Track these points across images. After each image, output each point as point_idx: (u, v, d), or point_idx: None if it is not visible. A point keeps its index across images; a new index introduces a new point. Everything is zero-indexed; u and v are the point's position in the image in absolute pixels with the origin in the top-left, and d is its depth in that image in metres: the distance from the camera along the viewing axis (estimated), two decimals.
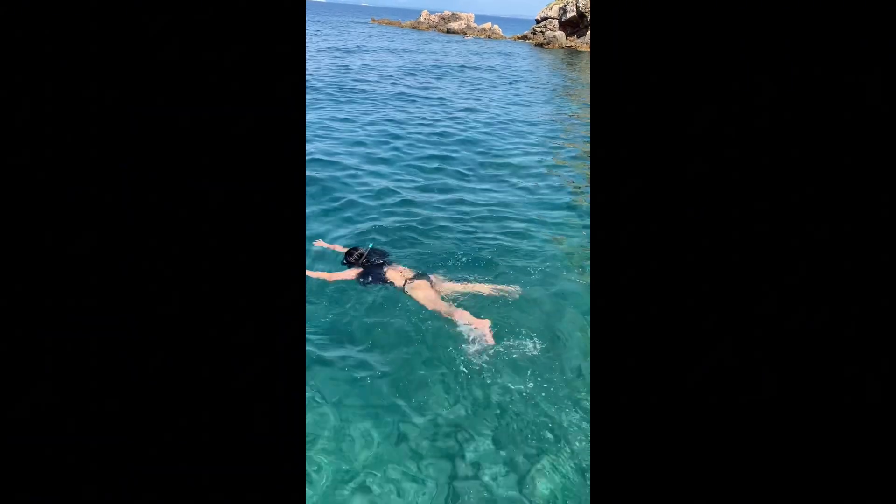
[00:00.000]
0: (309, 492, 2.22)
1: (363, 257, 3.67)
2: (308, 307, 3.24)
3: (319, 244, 4.24)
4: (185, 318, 0.68)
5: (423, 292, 3.36)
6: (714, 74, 0.71)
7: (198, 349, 0.68)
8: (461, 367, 2.90)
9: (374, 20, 59.80)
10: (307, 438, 2.42)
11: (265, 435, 0.69)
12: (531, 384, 2.79)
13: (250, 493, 0.69)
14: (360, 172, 6.51)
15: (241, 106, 0.68)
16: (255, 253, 0.69)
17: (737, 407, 0.70)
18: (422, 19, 50.32)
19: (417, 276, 3.51)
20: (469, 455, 2.43)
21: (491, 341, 3.03)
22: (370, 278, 3.52)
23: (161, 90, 0.67)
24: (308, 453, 2.34)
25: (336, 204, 5.42)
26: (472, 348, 3.01)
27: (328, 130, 8.37)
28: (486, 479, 2.32)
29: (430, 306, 3.28)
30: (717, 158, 0.71)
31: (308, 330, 3.08)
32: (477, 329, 3.07)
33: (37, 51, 0.65)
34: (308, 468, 2.29)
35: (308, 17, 52.64)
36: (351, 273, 3.54)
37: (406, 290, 3.42)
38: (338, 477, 2.27)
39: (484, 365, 2.92)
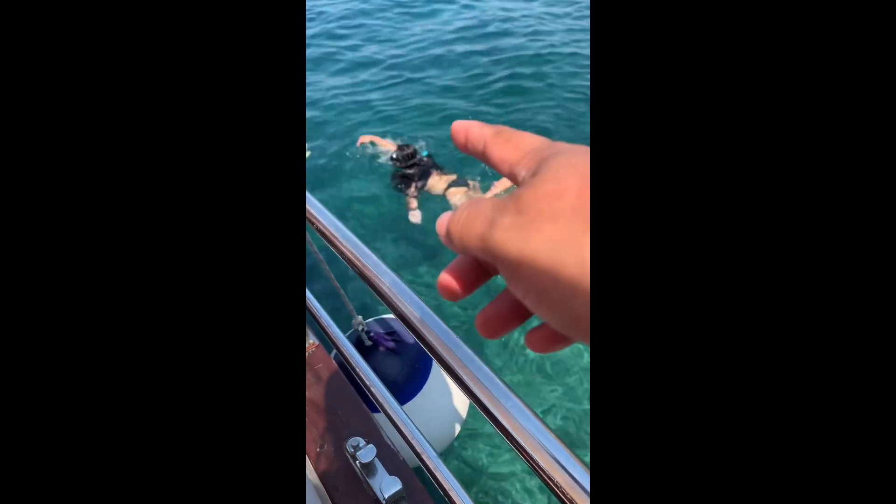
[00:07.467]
0: None
1: (415, 157, 3.59)
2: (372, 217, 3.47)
3: (364, 140, 4.15)
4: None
5: (460, 197, 3.40)
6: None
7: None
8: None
9: None
10: None
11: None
12: None
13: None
14: None
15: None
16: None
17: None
18: None
19: (459, 182, 3.52)
20: None
21: None
22: (420, 184, 3.51)
23: None
24: None
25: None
26: None
27: None
28: None
29: None
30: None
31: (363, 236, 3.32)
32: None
33: None
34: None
35: None
36: (413, 204, 3.51)
37: (447, 196, 3.44)
38: None
39: None
